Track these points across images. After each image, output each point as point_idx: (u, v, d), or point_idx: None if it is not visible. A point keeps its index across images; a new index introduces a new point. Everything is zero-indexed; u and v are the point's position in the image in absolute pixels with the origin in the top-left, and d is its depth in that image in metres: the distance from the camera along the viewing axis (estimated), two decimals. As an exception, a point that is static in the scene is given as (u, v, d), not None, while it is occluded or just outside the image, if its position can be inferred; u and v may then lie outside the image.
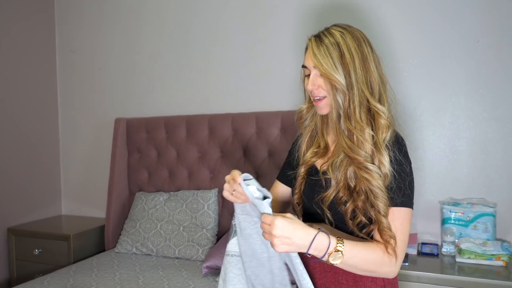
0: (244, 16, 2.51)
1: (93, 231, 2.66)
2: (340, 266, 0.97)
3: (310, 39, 1.11)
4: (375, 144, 1.04)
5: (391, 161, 1.03)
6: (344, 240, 0.96)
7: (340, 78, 1.03)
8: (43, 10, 2.93)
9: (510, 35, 2.02)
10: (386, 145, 1.04)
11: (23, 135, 2.78)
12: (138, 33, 2.78)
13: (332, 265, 0.98)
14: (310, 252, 0.94)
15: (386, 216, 1.01)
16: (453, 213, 2.05)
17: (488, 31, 2.05)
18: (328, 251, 0.94)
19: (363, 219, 1.04)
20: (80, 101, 2.99)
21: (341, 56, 1.04)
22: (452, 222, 2.05)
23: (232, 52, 2.54)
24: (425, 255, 2.01)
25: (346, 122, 1.05)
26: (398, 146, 1.05)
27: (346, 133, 1.06)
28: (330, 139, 1.18)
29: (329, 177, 1.10)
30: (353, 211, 1.05)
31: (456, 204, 2.07)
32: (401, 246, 1.02)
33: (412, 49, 2.17)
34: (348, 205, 1.05)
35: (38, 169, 2.89)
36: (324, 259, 0.95)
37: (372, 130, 1.04)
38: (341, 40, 1.05)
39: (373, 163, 1.02)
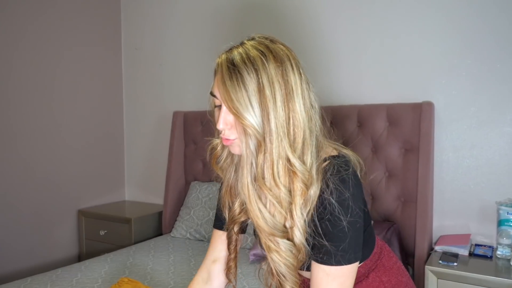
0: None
1: (152, 216, 2.86)
2: None
3: (220, 62, 0.83)
4: (290, 209, 0.82)
5: (326, 218, 0.82)
6: None
7: (254, 121, 0.78)
8: (110, 10, 3.16)
9: None
10: (310, 207, 0.82)
11: (92, 128, 3.04)
12: (195, 31, 2.92)
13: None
14: None
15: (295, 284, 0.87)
16: (511, 215, 1.95)
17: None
18: None
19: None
20: (142, 96, 3.20)
21: (259, 90, 0.78)
22: (509, 224, 1.95)
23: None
24: (477, 256, 1.93)
25: (259, 179, 0.81)
26: (337, 193, 0.81)
27: (256, 192, 0.82)
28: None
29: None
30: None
31: (514, 205, 1.97)
32: None
33: (470, 44, 2.08)
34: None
35: (105, 158, 3.14)
36: None
37: (289, 192, 0.82)
38: (260, 65, 0.78)
39: (286, 238, 0.83)
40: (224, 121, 0.83)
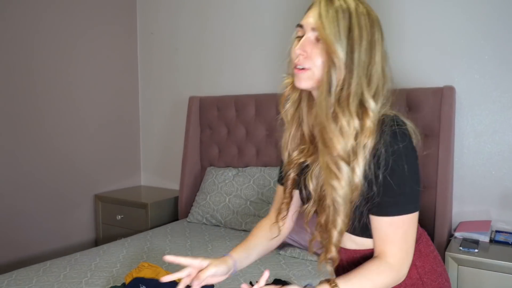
0: None
1: (168, 201, 2.87)
2: None
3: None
4: (356, 145, 0.87)
5: (385, 164, 0.86)
6: (338, 281, 0.85)
7: (341, 52, 0.85)
8: (126, -5, 3.15)
9: None
10: (371, 147, 0.87)
11: (108, 113, 3.05)
12: (211, 15, 2.88)
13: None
14: None
15: (340, 233, 0.91)
16: (534, 201, 1.91)
17: None
18: None
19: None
20: (158, 80, 3.19)
21: (349, 29, 0.86)
22: (532, 210, 1.92)
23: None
24: (498, 243, 1.91)
25: (336, 103, 0.87)
26: (395, 141, 0.86)
27: (332, 118, 0.88)
28: (317, 132, 0.95)
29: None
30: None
31: (537, 191, 1.93)
32: (404, 255, 0.91)
33: (495, 26, 2.02)
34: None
35: (121, 143, 3.16)
36: None
37: (359, 125, 0.87)
38: (354, 11, 0.87)
39: (347, 164, 0.87)
40: (302, 47, 0.90)
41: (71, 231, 2.85)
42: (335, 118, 0.87)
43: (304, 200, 1.04)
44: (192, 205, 2.70)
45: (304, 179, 0.99)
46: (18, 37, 2.50)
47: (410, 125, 0.90)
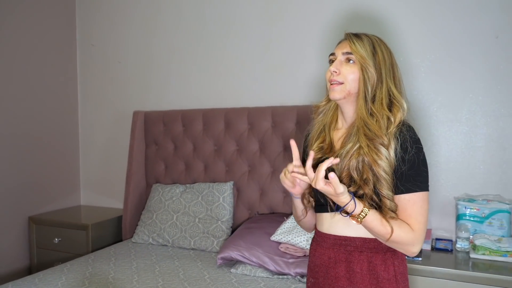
0: (262, 9, 2.52)
1: (111, 221, 2.73)
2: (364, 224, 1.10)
3: (347, 33, 1.20)
4: (388, 133, 1.11)
5: (405, 150, 1.10)
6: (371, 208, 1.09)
7: (371, 67, 1.13)
8: (64, 3, 2.99)
9: (530, 31, 2.00)
10: (395, 135, 1.11)
11: (44, 127, 2.86)
12: (156, 27, 2.82)
13: (346, 256, 1.16)
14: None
15: (390, 199, 1.10)
16: (468, 209, 2.04)
17: (508, 27, 2.03)
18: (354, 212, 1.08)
19: (367, 204, 1.10)
20: (100, 94, 3.05)
21: (374, 54, 1.15)
22: (467, 218, 2.04)
23: (249, 46, 2.56)
24: (439, 250, 2.01)
25: (372, 104, 1.14)
26: (411, 134, 1.12)
27: (369, 113, 1.14)
28: (335, 135, 1.24)
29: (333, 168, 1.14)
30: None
31: (471, 200, 2.06)
32: (422, 228, 1.10)
33: (429, 45, 2.16)
34: (356, 192, 1.12)
35: (58, 160, 2.97)
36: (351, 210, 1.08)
37: (391, 116, 1.13)
38: (376, 43, 1.17)
39: (386, 148, 1.10)
40: (335, 66, 1.16)
41: (1, 258, 2.60)
42: (373, 115, 1.13)
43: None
44: (137, 225, 2.59)
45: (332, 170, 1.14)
46: None
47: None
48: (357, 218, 1.08)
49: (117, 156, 2.96)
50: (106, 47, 3.01)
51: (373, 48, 1.15)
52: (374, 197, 1.10)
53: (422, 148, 1.13)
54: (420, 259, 1.87)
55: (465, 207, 2.05)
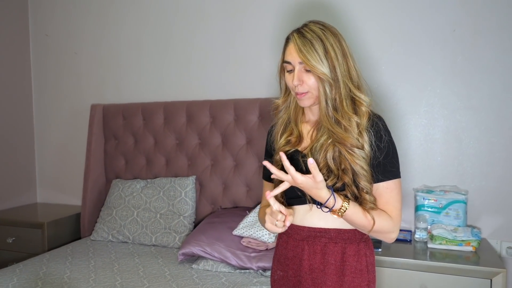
0: (224, 3, 2.47)
1: (68, 218, 2.62)
2: (345, 218, 1.10)
3: (292, 35, 1.15)
4: (359, 130, 1.12)
5: (380, 139, 1.13)
6: (351, 202, 1.09)
7: (326, 71, 1.10)
8: (15, -9, 2.84)
9: (485, 25, 2.05)
10: (367, 129, 1.12)
11: (-5, 121, 2.71)
12: (114, 16, 2.72)
13: (321, 247, 1.17)
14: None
15: (369, 193, 1.12)
16: (426, 200, 2.08)
17: (464, 21, 2.07)
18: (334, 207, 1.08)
19: (348, 195, 1.12)
20: (55, 87, 2.92)
21: (325, 51, 1.11)
22: (425, 209, 2.08)
23: (211, 39, 2.51)
24: (398, 241, 2.04)
25: (334, 112, 1.13)
26: (382, 123, 1.15)
27: (334, 121, 1.14)
28: (304, 128, 1.24)
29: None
30: (337, 190, 1.13)
31: (429, 191, 2.10)
32: (399, 213, 1.15)
33: (389, 38, 2.18)
34: (336, 184, 1.13)
35: (12, 156, 2.83)
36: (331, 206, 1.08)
37: (357, 117, 1.14)
38: (323, 36, 1.12)
39: (360, 148, 1.11)
40: (298, 79, 1.13)
41: (-51, 260, 2.46)
42: (338, 123, 1.13)
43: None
44: (96, 222, 2.50)
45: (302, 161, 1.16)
46: None
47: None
48: (338, 213, 1.08)
49: (75, 151, 2.85)
50: (61, 37, 2.87)
51: (324, 48, 1.11)
52: (354, 188, 1.12)
53: (393, 141, 1.16)
54: (380, 250, 1.90)
55: (424, 198, 2.09)
